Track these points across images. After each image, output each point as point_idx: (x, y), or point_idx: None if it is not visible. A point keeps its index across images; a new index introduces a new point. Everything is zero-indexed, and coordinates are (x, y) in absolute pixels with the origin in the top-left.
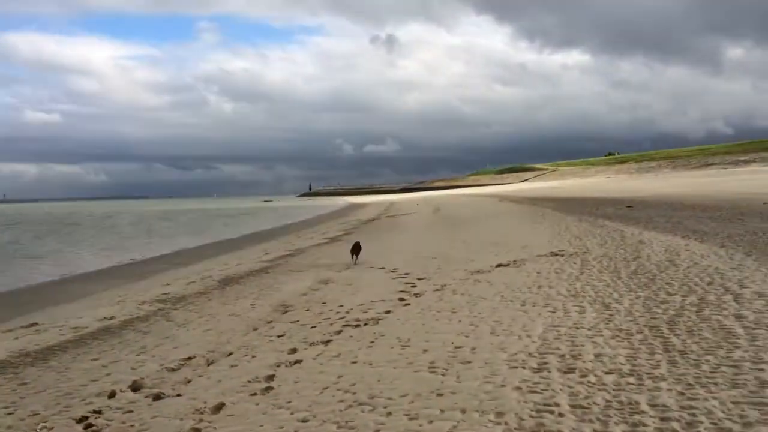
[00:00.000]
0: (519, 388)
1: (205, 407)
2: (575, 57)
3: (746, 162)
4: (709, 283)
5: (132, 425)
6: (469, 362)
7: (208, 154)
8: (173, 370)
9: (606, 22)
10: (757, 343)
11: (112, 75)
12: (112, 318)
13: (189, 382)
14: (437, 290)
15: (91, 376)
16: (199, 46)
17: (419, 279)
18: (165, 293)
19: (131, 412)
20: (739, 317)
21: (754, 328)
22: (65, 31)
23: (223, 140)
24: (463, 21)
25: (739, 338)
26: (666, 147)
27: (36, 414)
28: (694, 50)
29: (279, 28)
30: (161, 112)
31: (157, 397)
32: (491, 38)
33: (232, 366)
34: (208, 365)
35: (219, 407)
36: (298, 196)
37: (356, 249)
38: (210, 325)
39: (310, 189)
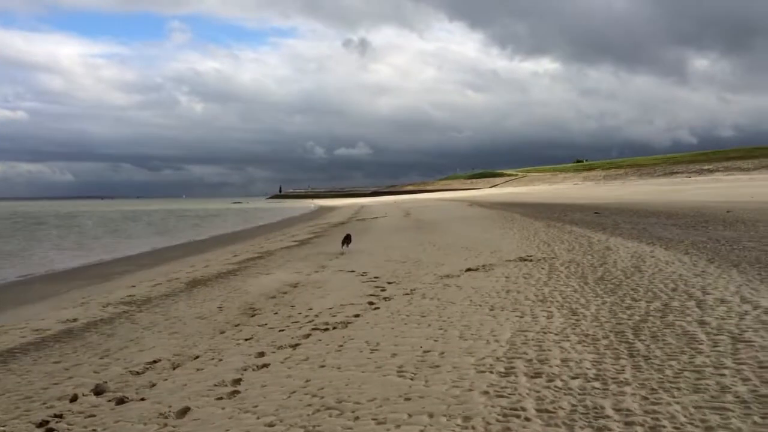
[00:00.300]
0: (486, 393)
1: (170, 411)
2: (545, 65)
3: (710, 171)
4: (674, 290)
5: (94, 430)
6: (438, 366)
7: (177, 154)
8: (138, 373)
9: (576, 31)
10: (718, 348)
11: (79, 73)
12: (75, 320)
13: (154, 385)
14: (407, 294)
15: (52, 379)
16: (169, 45)
17: (389, 283)
18: (130, 295)
19: (93, 416)
20: (702, 323)
21: (716, 334)
22: (32, 27)
23: (192, 141)
24: (435, 27)
25: (701, 344)
26: (632, 155)
27: None
28: (661, 60)
29: (251, 29)
30: (130, 111)
31: (121, 401)
32: (463, 44)
33: (198, 370)
34: (174, 369)
35: (184, 411)
36: (268, 198)
37: (347, 239)
38: (176, 328)
39: (280, 191)
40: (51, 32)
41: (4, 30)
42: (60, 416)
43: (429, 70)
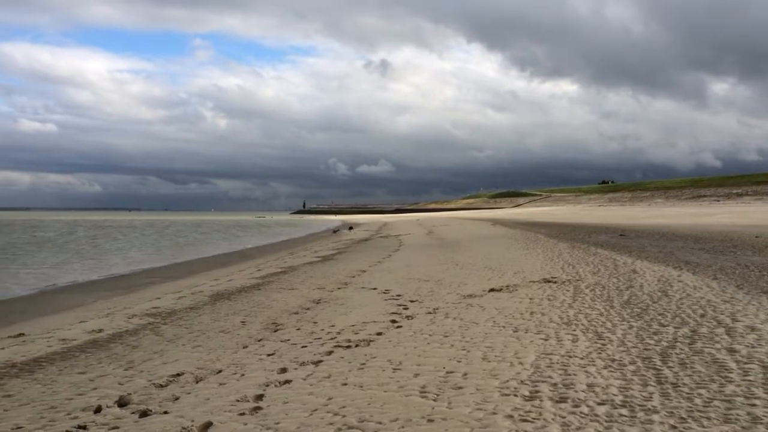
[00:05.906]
0: (510, 417)
1: (193, 426)
2: (564, 87)
3: (738, 195)
4: (702, 316)
5: None
6: (461, 388)
7: (202, 168)
8: (161, 386)
9: (594, 54)
10: (749, 377)
11: (106, 87)
12: (100, 331)
13: (177, 399)
14: (429, 313)
15: (77, 389)
16: (192, 62)
17: (411, 301)
18: (155, 307)
19: (117, 428)
20: (731, 351)
21: (746, 363)
22: (59, 42)
23: (217, 155)
24: (454, 47)
25: (731, 372)
26: (656, 177)
27: (19, 428)
28: (680, 85)
29: (271, 47)
30: (155, 125)
31: (144, 414)
32: (482, 65)
33: (220, 384)
34: (197, 382)
35: (206, 426)
36: (292, 213)
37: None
38: (199, 342)
39: (303, 206)
40: (77, 47)
41: (32, 45)
42: (84, 427)
43: (448, 90)
